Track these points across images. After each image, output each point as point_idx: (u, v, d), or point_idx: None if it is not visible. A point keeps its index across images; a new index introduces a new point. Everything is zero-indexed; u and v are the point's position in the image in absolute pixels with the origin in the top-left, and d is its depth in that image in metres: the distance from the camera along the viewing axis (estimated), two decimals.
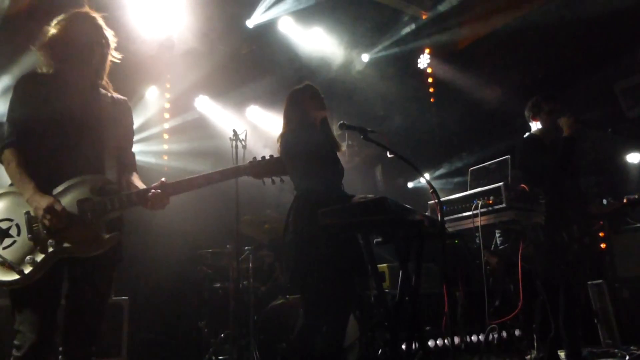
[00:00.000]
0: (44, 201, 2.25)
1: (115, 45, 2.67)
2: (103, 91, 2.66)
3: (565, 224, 4.06)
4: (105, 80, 2.69)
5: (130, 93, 2.83)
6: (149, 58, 6.34)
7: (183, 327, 6.26)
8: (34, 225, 2.29)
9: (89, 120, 2.51)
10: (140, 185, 2.58)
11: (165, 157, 7.04)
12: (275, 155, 2.67)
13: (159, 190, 2.43)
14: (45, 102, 2.43)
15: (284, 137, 3.41)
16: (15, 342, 2.25)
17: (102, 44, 2.60)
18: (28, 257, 2.25)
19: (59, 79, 2.52)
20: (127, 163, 2.64)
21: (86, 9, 2.63)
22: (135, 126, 2.85)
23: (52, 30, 2.55)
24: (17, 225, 2.31)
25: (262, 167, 2.59)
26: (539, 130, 4.35)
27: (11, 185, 2.40)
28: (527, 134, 4.40)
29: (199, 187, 2.52)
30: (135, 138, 2.82)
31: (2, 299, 4.07)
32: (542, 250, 3.96)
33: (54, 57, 2.53)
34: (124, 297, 4.83)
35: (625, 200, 4.81)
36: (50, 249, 2.27)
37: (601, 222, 5.53)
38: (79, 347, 2.39)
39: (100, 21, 2.63)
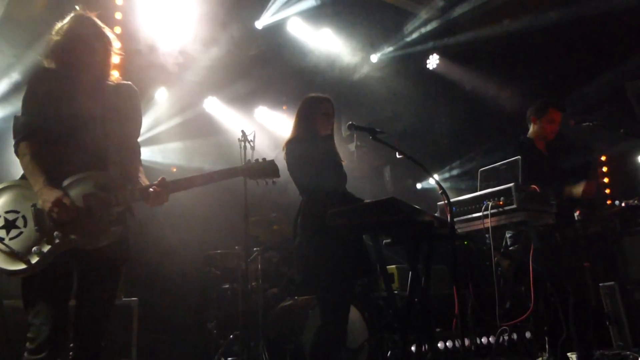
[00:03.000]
0: (52, 195, 2.32)
1: (115, 39, 2.75)
2: (107, 82, 2.72)
3: (570, 223, 4.02)
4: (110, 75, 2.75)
5: (139, 94, 2.86)
6: (158, 60, 6.35)
7: (192, 328, 6.28)
8: (41, 217, 2.36)
9: (94, 116, 2.57)
10: (144, 181, 2.67)
11: (173, 156, 7.05)
12: (272, 159, 2.82)
13: (159, 188, 2.53)
14: (53, 98, 2.50)
15: (291, 145, 3.44)
16: (29, 335, 2.32)
17: (103, 41, 2.68)
18: (35, 248, 2.33)
19: (66, 77, 2.60)
20: (132, 154, 2.70)
21: (81, 11, 2.71)
22: (143, 128, 2.89)
23: (55, 37, 2.63)
24: (24, 217, 2.38)
25: (256, 169, 2.76)
26: (534, 132, 4.30)
27: (21, 178, 2.47)
28: (521, 136, 4.33)
29: (197, 185, 2.64)
30: (144, 138, 2.86)
31: (13, 299, 4.11)
32: (550, 249, 3.93)
33: (61, 61, 2.61)
34: (133, 299, 4.85)
35: None
36: (57, 241, 2.35)
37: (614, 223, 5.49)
38: (89, 343, 2.47)
39: (97, 20, 2.71)
